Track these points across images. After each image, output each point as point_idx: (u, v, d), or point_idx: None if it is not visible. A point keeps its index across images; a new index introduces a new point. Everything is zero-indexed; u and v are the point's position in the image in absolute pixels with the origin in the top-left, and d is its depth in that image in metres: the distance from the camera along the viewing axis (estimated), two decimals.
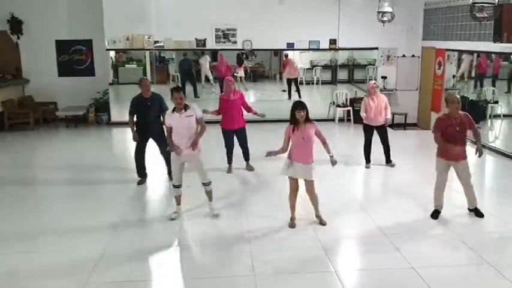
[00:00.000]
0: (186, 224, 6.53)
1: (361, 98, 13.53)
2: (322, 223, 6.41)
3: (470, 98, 13.05)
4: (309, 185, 6.28)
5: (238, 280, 5.06)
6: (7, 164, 9.87)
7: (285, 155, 6.29)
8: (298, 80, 16.95)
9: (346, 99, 13.73)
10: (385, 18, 10.56)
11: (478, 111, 12.85)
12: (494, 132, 12.97)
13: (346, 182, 8.30)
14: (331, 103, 13.91)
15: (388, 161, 9.14)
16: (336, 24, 12.93)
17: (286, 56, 16.92)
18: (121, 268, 5.33)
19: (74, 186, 8.39)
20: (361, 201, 7.46)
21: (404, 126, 12.64)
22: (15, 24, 13.16)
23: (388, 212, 6.90)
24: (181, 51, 15.51)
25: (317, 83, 18.91)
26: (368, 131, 9.08)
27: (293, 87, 16.63)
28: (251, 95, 17.69)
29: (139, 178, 8.24)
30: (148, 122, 7.89)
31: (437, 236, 6.13)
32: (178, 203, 6.76)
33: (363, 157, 9.19)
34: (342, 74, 17.13)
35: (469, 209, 6.74)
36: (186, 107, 6.45)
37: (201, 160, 6.63)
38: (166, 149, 7.61)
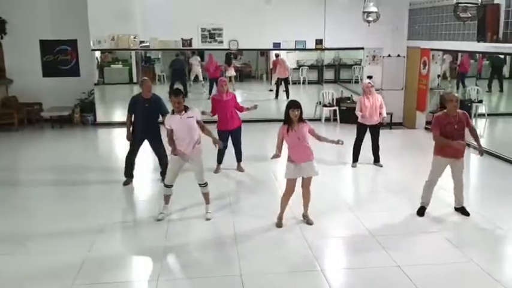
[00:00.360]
0: (174, 225, 6.49)
1: (348, 98, 13.72)
2: (309, 222, 6.42)
3: None
4: (309, 181, 6.29)
5: (226, 280, 5.06)
6: None
7: (284, 157, 6.24)
8: (288, 80, 16.98)
9: (333, 99, 13.78)
10: (370, 18, 10.61)
11: (463, 110, 12.98)
12: (479, 131, 13.08)
13: (333, 181, 8.32)
14: (317, 103, 13.95)
15: (377, 160, 9.19)
16: (321, 24, 12.98)
17: (277, 55, 16.95)
18: (107, 271, 5.29)
19: (59, 187, 8.30)
20: (348, 201, 7.48)
21: (390, 125, 12.71)
22: None
23: (375, 211, 6.95)
24: (168, 51, 15.44)
25: (303, 83, 18.97)
26: (362, 130, 9.09)
27: (282, 87, 16.69)
28: (238, 95, 17.68)
29: (126, 178, 8.16)
30: (145, 123, 7.80)
31: (425, 235, 6.18)
32: (167, 202, 6.71)
33: (351, 156, 9.23)
34: (328, 74, 17.16)
35: (455, 208, 6.81)
36: (186, 109, 6.39)
37: (202, 161, 6.61)
38: (162, 150, 7.89)
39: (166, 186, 6.64)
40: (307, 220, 6.46)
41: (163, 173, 7.67)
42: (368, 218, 6.62)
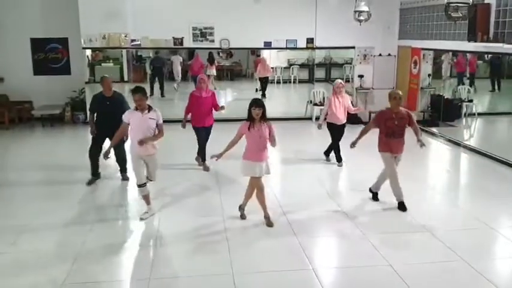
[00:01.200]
0: (161, 223, 6.48)
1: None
2: (269, 225, 6.33)
3: (445, 97, 13.29)
4: (261, 181, 6.27)
5: (215, 278, 5.07)
6: None
7: (236, 153, 6.21)
8: (269, 79, 17.06)
9: (323, 98, 13.80)
10: (361, 18, 10.67)
11: (453, 109, 13.09)
12: (469, 130, 13.20)
13: (320, 179, 8.37)
14: (308, 102, 13.99)
15: (340, 159, 9.18)
16: (313, 23, 13.00)
17: (258, 55, 16.96)
18: (93, 268, 5.29)
19: (47, 185, 8.22)
20: (333, 197, 7.48)
21: None
22: None
23: (361, 208, 7.04)
24: (158, 49, 15.41)
25: (294, 82, 19.00)
26: (333, 129, 9.08)
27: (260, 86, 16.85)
28: (228, 94, 17.71)
29: (92, 177, 8.10)
30: (107, 121, 7.66)
31: (413, 234, 6.22)
32: (148, 202, 6.68)
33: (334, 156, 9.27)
34: (319, 73, 17.25)
35: (398, 204, 6.90)
36: (149, 109, 6.45)
37: (157, 160, 6.75)
38: (123, 149, 8.06)
39: (140, 186, 6.58)
40: (267, 222, 6.36)
41: (123, 170, 8.24)
42: (354, 214, 6.73)
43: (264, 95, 16.27)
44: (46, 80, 13.30)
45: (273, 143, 6.19)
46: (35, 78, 13.35)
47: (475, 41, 9.56)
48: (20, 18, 12.99)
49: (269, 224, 6.31)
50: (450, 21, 9.42)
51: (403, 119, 6.76)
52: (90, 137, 8.14)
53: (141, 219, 6.53)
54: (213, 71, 17.62)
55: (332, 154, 9.30)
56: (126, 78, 17.07)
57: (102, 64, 16.95)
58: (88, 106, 9.53)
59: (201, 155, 8.82)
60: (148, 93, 16.03)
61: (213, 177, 8.46)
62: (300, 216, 6.69)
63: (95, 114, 7.99)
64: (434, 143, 11.30)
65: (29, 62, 13.34)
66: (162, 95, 16.69)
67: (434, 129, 12.13)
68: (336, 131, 9.06)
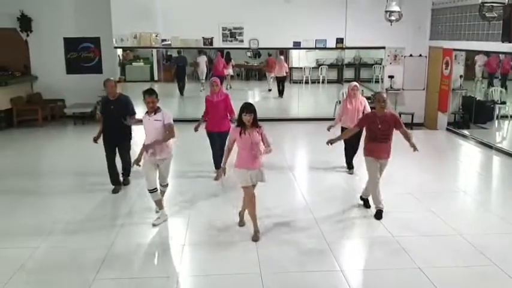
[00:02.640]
0: (190, 227, 6.55)
1: (368, 98, 13.52)
2: (255, 239, 5.89)
3: (477, 98, 13.05)
4: (252, 189, 5.90)
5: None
6: (12, 161, 9.91)
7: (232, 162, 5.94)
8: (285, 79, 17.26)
9: None
10: (392, 18, 10.57)
11: (485, 111, 12.85)
12: (502, 132, 12.94)
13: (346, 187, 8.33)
14: (337, 102, 13.92)
15: (351, 167, 8.77)
16: (343, 23, 12.92)
17: (270, 55, 17.29)
18: (131, 264, 5.38)
19: (74, 183, 8.37)
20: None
21: (411, 126, 12.62)
22: (25, 22, 13.24)
23: (396, 212, 6.95)
24: (182, 49, 15.52)
25: (323, 82, 18.92)
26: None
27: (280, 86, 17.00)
28: (256, 94, 17.77)
29: (114, 186, 7.73)
30: (113, 125, 7.45)
31: (441, 236, 6.14)
32: (161, 206, 6.49)
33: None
34: (348, 73, 17.17)
35: (376, 212, 6.70)
36: (156, 111, 6.26)
37: (170, 165, 6.58)
38: (128, 158, 7.70)
39: (151, 191, 6.36)
40: (256, 237, 5.91)
41: (124, 174, 7.97)
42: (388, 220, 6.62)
43: (281, 94, 16.51)
44: (78, 78, 13.57)
45: (268, 148, 5.79)
46: (67, 77, 13.65)
47: (510, 42, 9.37)
48: (54, 18, 13.31)
49: (255, 238, 5.89)
50: (484, 22, 9.25)
51: (387, 123, 6.51)
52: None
53: (154, 225, 6.35)
54: (230, 71, 17.80)
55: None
56: (156, 78, 17.30)
57: (133, 63, 17.20)
58: None
59: (215, 161, 8.32)
60: (178, 93, 16.41)
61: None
62: (326, 214, 6.69)
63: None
64: (466, 145, 11.12)
65: (62, 61, 13.65)
66: (182, 93, 16.72)
67: (465, 131, 11.93)
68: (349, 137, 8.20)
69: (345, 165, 8.89)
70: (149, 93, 6.25)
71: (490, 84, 14.18)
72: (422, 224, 6.48)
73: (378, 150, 6.58)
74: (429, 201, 7.23)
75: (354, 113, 8.36)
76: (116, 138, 7.60)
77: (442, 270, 5.21)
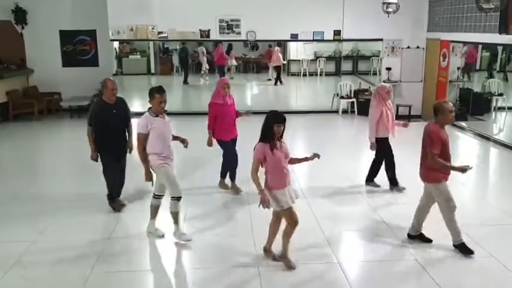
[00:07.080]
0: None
1: (366, 90, 13.57)
2: (291, 267, 5.06)
3: (474, 90, 13.05)
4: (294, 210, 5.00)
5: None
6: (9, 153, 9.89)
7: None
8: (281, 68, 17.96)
9: (350, 91, 13.70)
10: (390, 9, 10.55)
11: (482, 103, 12.85)
12: (499, 124, 12.94)
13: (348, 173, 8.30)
14: (334, 94, 13.89)
15: (395, 183, 7.37)
16: (340, 15, 12.86)
17: (270, 46, 17.95)
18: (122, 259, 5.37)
19: (75, 178, 8.39)
20: (363, 196, 7.44)
21: (408, 118, 12.59)
22: (20, 14, 13.16)
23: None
24: (185, 41, 15.58)
25: (321, 75, 18.90)
26: (385, 144, 7.26)
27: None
28: (254, 86, 17.79)
29: (116, 203, 6.63)
30: (114, 135, 6.34)
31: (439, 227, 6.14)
32: (154, 215, 5.74)
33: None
34: (346, 66, 17.15)
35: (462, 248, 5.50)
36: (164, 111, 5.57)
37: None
38: (122, 166, 6.54)
39: (157, 196, 5.70)
40: (288, 263, 5.08)
41: (117, 195, 6.65)
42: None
43: (279, 81, 17.51)
44: (74, 71, 13.53)
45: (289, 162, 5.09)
46: (63, 70, 13.61)
47: (507, 33, 9.33)
48: (49, 10, 13.23)
49: (291, 266, 5.07)
50: (480, 13, 9.22)
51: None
52: None
53: (161, 236, 5.76)
54: (233, 61, 18.36)
55: (378, 177, 7.55)
56: (153, 71, 17.25)
57: (130, 56, 17.16)
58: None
59: (232, 175, 7.29)
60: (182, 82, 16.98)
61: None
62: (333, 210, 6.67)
63: (95, 129, 6.31)
64: (463, 137, 11.12)
65: (57, 54, 13.59)
66: (186, 81, 17.19)
67: (463, 123, 11.92)
68: (389, 146, 7.31)
69: (366, 186, 7.55)
70: (161, 91, 5.42)
71: (467, 76, 14.22)
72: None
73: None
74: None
75: (391, 120, 7.14)
76: (121, 147, 6.47)
77: (438, 263, 5.21)
